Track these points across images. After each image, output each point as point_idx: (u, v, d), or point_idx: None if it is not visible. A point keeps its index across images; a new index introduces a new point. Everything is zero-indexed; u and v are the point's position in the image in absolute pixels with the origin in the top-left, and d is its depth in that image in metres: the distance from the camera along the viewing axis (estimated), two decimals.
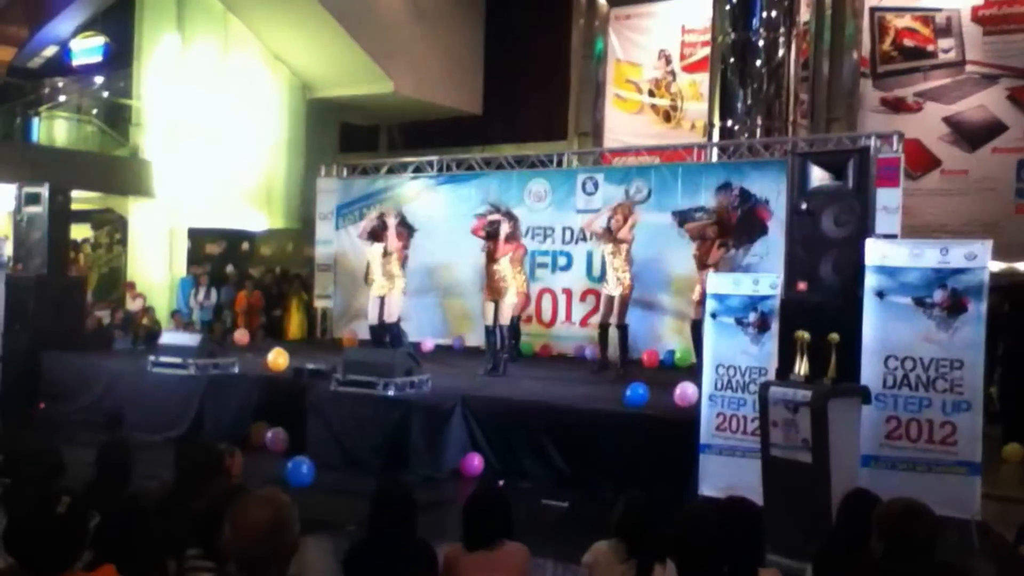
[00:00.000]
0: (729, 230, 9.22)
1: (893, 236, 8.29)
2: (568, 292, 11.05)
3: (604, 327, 9.20)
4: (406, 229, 9.90)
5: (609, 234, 9.01)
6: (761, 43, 11.20)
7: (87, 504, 2.51)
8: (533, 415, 7.28)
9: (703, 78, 13.19)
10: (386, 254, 9.41)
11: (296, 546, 2.19)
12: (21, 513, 2.43)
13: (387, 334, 9.49)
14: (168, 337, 9.35)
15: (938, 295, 5.55)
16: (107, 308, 13.98)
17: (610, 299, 9.06)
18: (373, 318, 9.53)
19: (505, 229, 9.07)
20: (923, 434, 5.55)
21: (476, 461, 7.18)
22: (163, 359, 8.53)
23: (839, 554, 3.10)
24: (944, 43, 12.59)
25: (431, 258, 11.52)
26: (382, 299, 9.43)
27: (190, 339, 9.04)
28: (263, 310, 14.01)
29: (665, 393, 7.37)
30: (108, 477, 3.75)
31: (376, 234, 9.50)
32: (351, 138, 17.07)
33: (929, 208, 12.16)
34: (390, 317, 9.50)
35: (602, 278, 9.35)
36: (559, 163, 11.74)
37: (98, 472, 3.82)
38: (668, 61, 14.62)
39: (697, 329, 8.75)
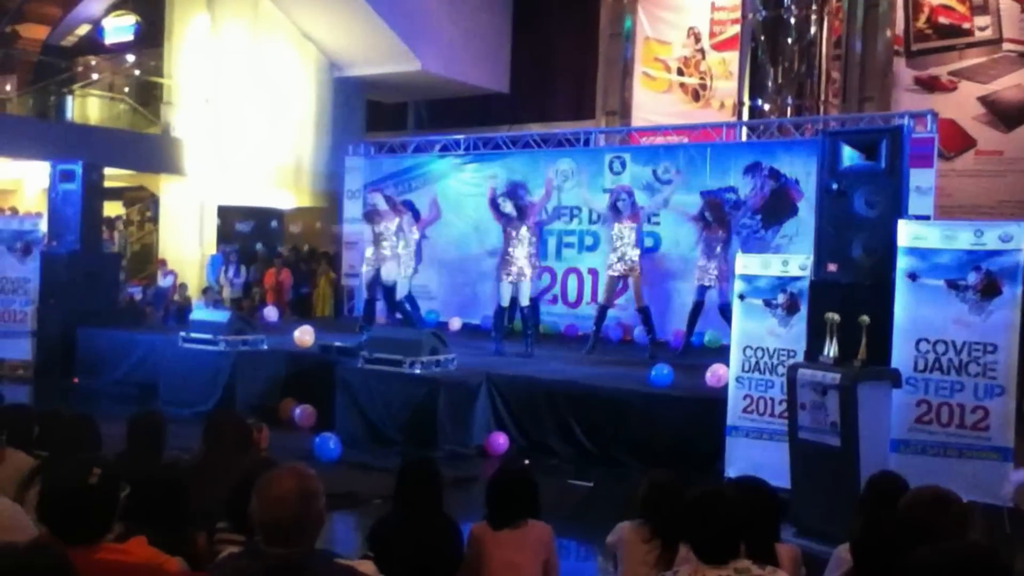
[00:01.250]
0: (723, 223, 9.13)
1: (926, 217, 8.17)
2: (594, 272, 11.00)
3: (604, 308, 9.26)
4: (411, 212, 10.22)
5: (618, 214, 8.96)
6: (792, 21, 11.05)
7: (118, 476, 2.55)
8: (559, 394, 7.30)
9: (733, 56, 13.01)
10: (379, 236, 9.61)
11: (323, 517, 2.22)
12: (53, 484, 2.48)
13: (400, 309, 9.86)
14: (198, 313, 9.48)
15: (972, 277, 5.46)
16: (139, 284, 14.18)
17: (615, 280, 9.02)
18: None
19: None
20: (954, 418, 5.49)
21: (501, 439, 7.22)
22: (193, 335, 8.63)
23: (875, 537, 3.07)
24: (980, 20, 12.29)
25: (458, 236, 11.50)
26: (376, 272, 9.70)
27: (220, 316, 9.17)
28: (291, 287, 14.13)
29: (693, 374, 7.35)
30: (140, 449, 3.80)
31: (370, 216, 9.69)
32: (378, 116, 17.08)
33: (963, 189, 11.95)
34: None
35: (619, 258, 9.08)
36: (586, 142, 11.67)
37: (129, 444, 3.87)
38: (697, 39, 14.41)
39: (696, 312, 8.99)
